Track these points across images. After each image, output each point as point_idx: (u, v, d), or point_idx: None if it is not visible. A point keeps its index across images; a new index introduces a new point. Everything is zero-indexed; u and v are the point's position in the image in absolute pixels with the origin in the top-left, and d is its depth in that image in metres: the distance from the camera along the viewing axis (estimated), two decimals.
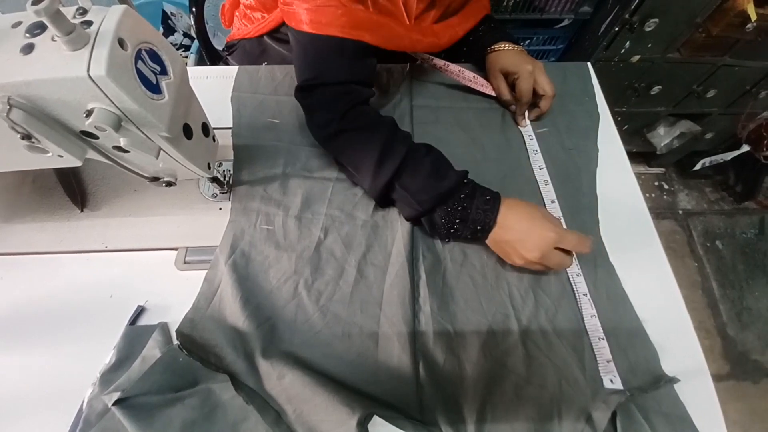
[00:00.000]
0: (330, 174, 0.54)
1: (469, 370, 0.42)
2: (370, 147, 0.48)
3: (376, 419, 0.40)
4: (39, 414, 0.40)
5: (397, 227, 0.50)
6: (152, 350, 0.41)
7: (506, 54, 0.60)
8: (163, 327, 0.44)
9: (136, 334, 0.43)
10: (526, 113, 0.61)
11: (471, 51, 0.65)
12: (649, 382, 0.42)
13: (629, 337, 0.45)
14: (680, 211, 1.55)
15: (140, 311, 0.45)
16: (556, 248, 0.44)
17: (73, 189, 0.52)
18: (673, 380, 0.42)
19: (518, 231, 0.45)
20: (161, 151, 0.38)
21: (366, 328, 0.45)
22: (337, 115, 0.49)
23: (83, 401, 0.40)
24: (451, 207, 0.46)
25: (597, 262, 0.49)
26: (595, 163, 0.57)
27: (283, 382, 0.41)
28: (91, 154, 0.37)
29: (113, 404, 0.37)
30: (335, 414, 0.38)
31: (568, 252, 0.45)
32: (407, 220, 0.50)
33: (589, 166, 0.57)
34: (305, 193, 0.52)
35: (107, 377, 0.40)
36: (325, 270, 0.48)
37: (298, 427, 0.39)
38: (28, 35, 0.30)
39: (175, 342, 0.43)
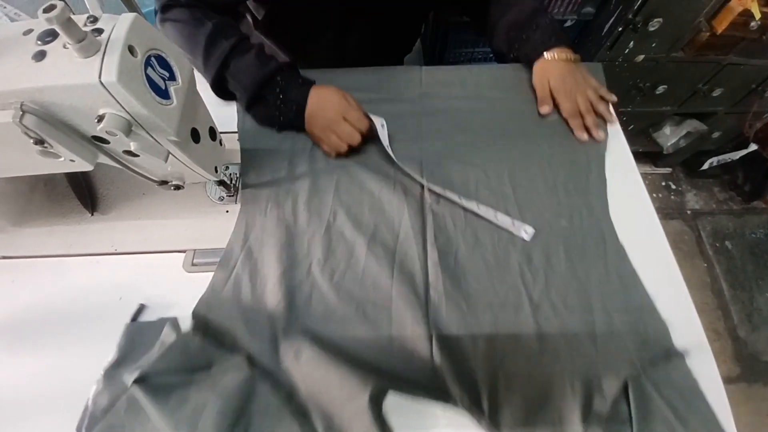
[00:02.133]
0: (336, 171, 0.56)
1: (482, 345, 0.43)
2: (196, 42, 0.53)
3: (389, 401, 0.40)
4: (48, 414, 0.41)
5: (404, 209, 0.51)
6: (169, 336, 0.42)
7: (553, 69, 0.59)
8: (173, 321, 0.44)
9: (137, 330, 0.44)
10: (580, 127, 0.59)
11: (521, 49, 0.63)
12: (660, 356, 0.43)
13: (640, 313, 0.46)
14: (688, 212, 1.54)
15: (141, 309, 0.46)
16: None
17: (84, 193, 0.53)
18: (683, 354, 0.43)
19: (317, 105, 0.55)
20: (170, 155, 0.39)
21: (379, 304, 0.46)
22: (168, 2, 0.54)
23: (89, 399, 0.40)
24: (273, 90, 0.54)
25: (607, 244, 0.50)
26: (604, 147, 0.58)
27: (299, 361, 0.42)
28: (102, 159, 0.38)
29: (132, 383, 0.38)
30: (347, 389, 0.40)
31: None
32: (245, 109, 0.57)
33: (597, 151, 0.58)
34: (312, 185, 0.54)
35: (110, 374, 0.41)
36: (336, 250, 0.49)
37: (310, 405, 0.40)
38: (39, 42, 0.31)
39: (190, 324, 0.44)
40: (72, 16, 0.28)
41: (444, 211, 0.52)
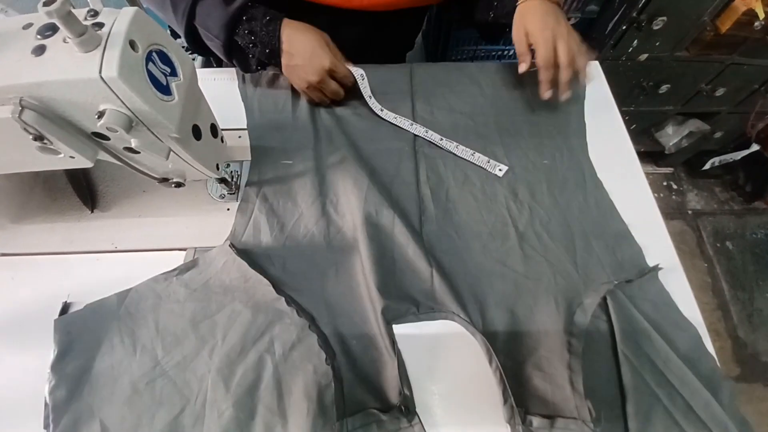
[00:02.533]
0: (337, 122, 0.58)
1: (473, 269, 0.48)
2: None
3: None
4: None
5: (398, 154, 0.56)
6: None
7: (533, 10, 0.53)
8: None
9: (68, 322, 0.44)
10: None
11: (500, 5, 0.59)
12: (635, 275, 0.47)
13: (617, 239, 0.50)
14: (689, 212, 1.53)
15: (67, 306, 0.45)
16: (334, 79, 0.54)
17: (84, 190, 0.52)
18: (656, 269, 0.47)
19: (301, 56, 0.52)
20: (171, 152, 0.38)
21: (386, 229, 0.49)
22: None
23: (45, 397, 0.40)
24: (242, 33, 0.51)
25: (586, 178, 0.54)
26: (583, 96, 0.62)
27: (322, 288, 0.46)
28: (102, 156, 0.37)
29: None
30: (361, 310, 0.45)
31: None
32: (227, 59, 0.55)
33: (576, 101, 0.61)
34: (316, 136, 0.57)
35: (57, 368, 0.41)
36: (345, 187, 0.52)
37: (328, 330, 0.44)
38: (39, 37, 0.30)
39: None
40: (72, 10, 0.27)
41: (435, 153, 0.56)
